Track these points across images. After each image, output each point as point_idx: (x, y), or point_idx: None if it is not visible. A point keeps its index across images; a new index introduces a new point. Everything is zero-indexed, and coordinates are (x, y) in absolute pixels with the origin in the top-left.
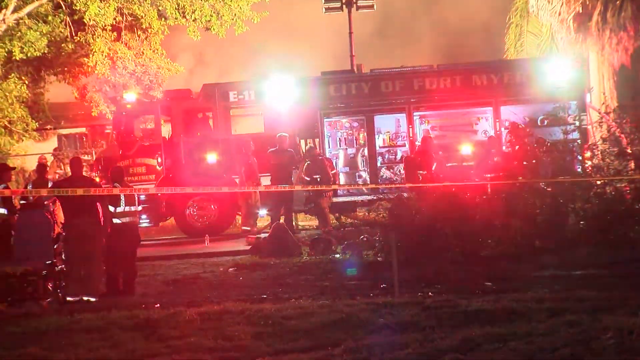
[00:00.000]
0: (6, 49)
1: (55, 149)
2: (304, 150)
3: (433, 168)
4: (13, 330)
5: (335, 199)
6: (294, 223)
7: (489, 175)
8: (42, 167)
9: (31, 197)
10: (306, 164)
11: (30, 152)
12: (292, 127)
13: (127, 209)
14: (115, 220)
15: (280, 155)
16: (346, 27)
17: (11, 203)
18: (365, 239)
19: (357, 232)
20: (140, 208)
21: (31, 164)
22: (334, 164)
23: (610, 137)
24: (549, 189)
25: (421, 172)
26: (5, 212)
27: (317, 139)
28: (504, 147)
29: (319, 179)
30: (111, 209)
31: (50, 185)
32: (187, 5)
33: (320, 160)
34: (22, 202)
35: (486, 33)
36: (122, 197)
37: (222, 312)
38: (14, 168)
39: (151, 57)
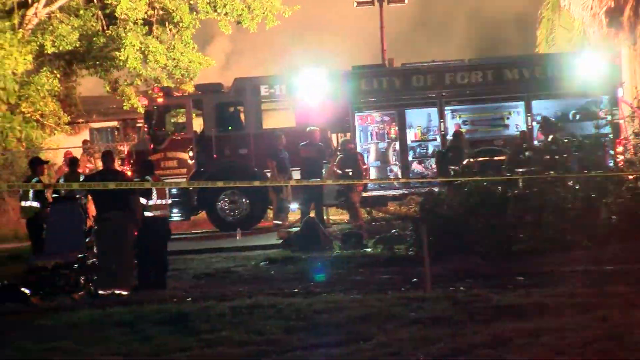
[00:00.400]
0: (38, 43)
1: (84, 142)
2: (335, 144)
3: (464, 162)
4: (45, 324)
5: (366, 193)
6: (325, 217)
7: (520, 170)
8: (73, 160)
9: (63, 191)
10: (339, 157)
11: (62, 145)
12: (324, 121)
13: (158, 202)
14: (147, 214)
15: (310, 149)
16: (377, 21)
17: (44, 197)
18: (396, 233)
19: (388, 226)
20: (170, 201)
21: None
22: (365, 158)
23: None
24: (577, 186)
25: (452, 166)
26: (38, 206)
27: (349, 133)
28: (535, 142)
29: (350, 173)
30: (143, 201)
31: (82, 179)
32: None
33: (353, 154)
34: (54, 195)
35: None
36: (154, 190)
37: (254, 306)
38: (47, 162)
39: (182, 51)
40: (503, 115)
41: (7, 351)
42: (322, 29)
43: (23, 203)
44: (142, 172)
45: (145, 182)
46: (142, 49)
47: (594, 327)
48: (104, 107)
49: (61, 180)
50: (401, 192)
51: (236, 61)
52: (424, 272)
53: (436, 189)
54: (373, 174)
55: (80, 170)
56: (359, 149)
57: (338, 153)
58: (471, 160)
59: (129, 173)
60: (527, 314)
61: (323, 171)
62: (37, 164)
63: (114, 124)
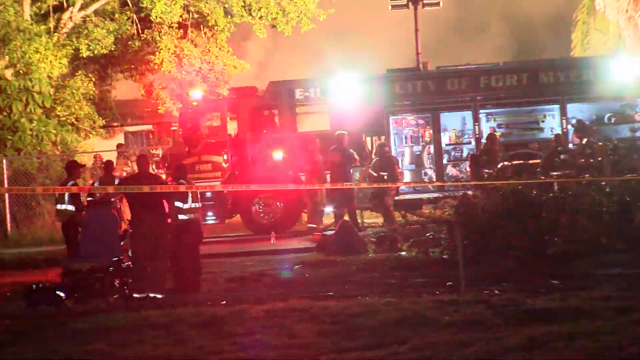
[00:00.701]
0: (73, 47)
1: (118, 145)
2: (369, 148)
3: (498, 166)
4: (80, 327)
5: (401, 197)
6: (359, 220)
7: (555, 174)
8: (109, 164)
9: (98, 194)
10: (374, 160)
11: (97, 149)
12: (358, 125)
13: (192, 205)
14: (181, 217)
15: (338, 153)
16: (412, 24)
17: (79, 200)
18: (431, 236)
19: (422, 230)
20: (199, 205)
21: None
22: (400, 161)
23: None
24: (611, 190)
25: (487, 170)
26: (73, 209)
27: (383, 137)
28: (570, 145)
29: (385, 177)
30: (179, 204)
31: (116, 182)
32: (253, 2)
33: (388, 157)
34: (88, 199)
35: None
36: (189, 194)
37: (287, 310)
38: (84, 165)
39: (217, 54)
40: (538, 118)
41: (44, 353)
42: (357, 33)
43: (58, 206)
44: (175, 175)
45: (180, 186)
46: (177, 52)
47: (629, 330)
48: (139, 111)
49: (96, 184)
50: (436, 195)
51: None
52: (458, 276)
53: (470, 192)
54: (407, 177)
55: (116, 174)
56: (393, 153)
57: (374, 156)
58: (505, 163)
59: (164, 176)
60: (561, 318)
61: (357, 175)
62: (73, 168)
63: (149, 127)
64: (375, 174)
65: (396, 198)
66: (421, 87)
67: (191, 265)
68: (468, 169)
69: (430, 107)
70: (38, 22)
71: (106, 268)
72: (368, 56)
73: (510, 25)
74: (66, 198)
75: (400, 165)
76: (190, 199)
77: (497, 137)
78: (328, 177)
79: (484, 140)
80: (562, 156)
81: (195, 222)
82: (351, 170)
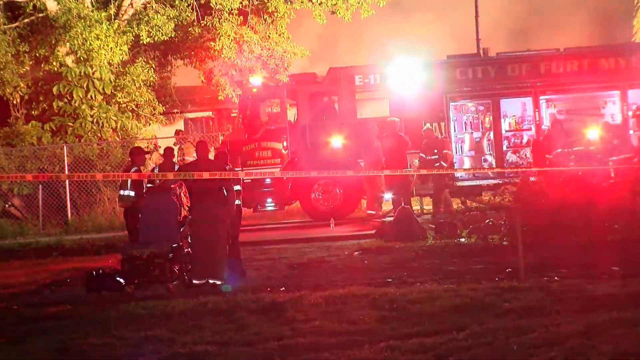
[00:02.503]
0: (133, 33)
1: (177, 132)
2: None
3: (560, 151)
4: (140, 313)
5: (460, 183)
6: (420, 207)
7: (614, 158)
8: (169, 150)
9: (158, 181)
10: (424, 143)
11: (158, 135)
12: (418, 111)
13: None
14: (237, 202)
15: (390, 140)
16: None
17: (140, 186)
18: (490, 223)
19: (482, 216)
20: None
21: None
22: (459, 148)
23: None
24: None
25: (549, 155)
26: (134, 195)
27: (443, 123)
28: (631, 131)
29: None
30: (238, 188)
31: (176, 168)
32: None
33: (435, 140)
34: (148, 185)
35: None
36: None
37: (347, 296)
38: (148, 152)
39: (277, 41)
40: (598, 104)
41: (105, 338)
42: (418, 18)
43: (121, 192)
44: (221, 163)
45: (240, 172)
46: (237, 39)
47: None
48: (199, 97)
49: (156, 170)
50: (495, 182)
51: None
52: (517, 262)
53: (532, 178)
54: (467, 163)
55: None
56: (453, 139)
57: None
58: (566, 150)
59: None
60: (622, 304)
61: (416, 161)
62: (137, 154)
63: (209, 114)
64: (425, 157)
65: (456, 184)
66: (481, 73)
67: (234, 251)
68: (528, 155)
69: (491, 93)
70: (99, 9)
71: (166, 254)
72: (429, 42)
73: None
74: (129, 184)
75: (451, 148)
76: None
77: (561, 122)
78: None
79: (544, 127)
80: (614, 142)
81: (240, 208)
82: (407, 157)
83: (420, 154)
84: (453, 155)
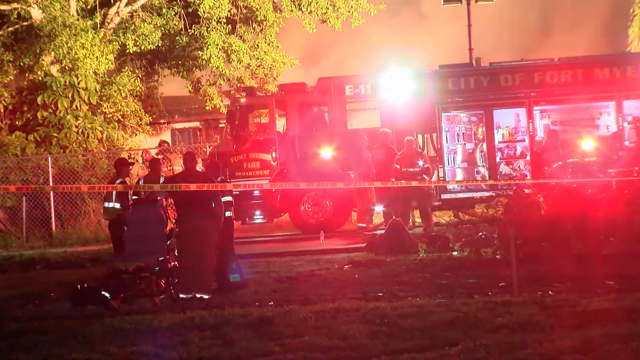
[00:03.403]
0: (120, 42)
1: (161, 142)
2: (420, 146)
3: (557, 164)
4: (126, 327)
5: (452, 195)
6: (410, 220)
7: (612, 171)
8: (155, 162)
9: (143, 193)
10: (399, 154)
11: (144, 146)
12: (409, 122)
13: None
14: (227, 214)
15: (382, 151)
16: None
17: (126, 198)
18: (483, 236)
19: (475, 229)
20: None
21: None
22: (451, 159)
23: None
24: None
25: (547, 168)
26: (119, 207)
27: (435, 134)
28: (626, 143)
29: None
30: (228, 199)
31: (162, 180)
32: None
33: (415, 151)
34: (134, 197)
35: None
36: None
37: (337, 310)
38: (133, 163)
39: (266, 50)
40: (593, 115)
41: (89, 354)
42: (409, 28)
43: (106, 204)
44: (212, 174)
45: (227, 184)
46: (225, 48)
47: None
48: (186, 108)
49: (141, 182)
50: (488, 194)
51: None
52: (511, 276)
53: (527, 191)
54: (460, 175)
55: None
56: (445, 150)
57: (398, 151)
58: (565, 162)
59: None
60: (617, 319)
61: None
62: (121, 165)
63: (196, 124)
64: (400, 169)
65: (448, 197)
66: (474, 84)
67: (224, 264)
68: (522, 167)
69: (484, 104)
70: (84, 17)
71: (152, 268)
72: (420, 52)
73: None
74: (114, 196)
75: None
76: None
77: (558, 133)
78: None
79: (538, 138)
80: (620, 153)
81: (231, 220)
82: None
83: (395, 165)
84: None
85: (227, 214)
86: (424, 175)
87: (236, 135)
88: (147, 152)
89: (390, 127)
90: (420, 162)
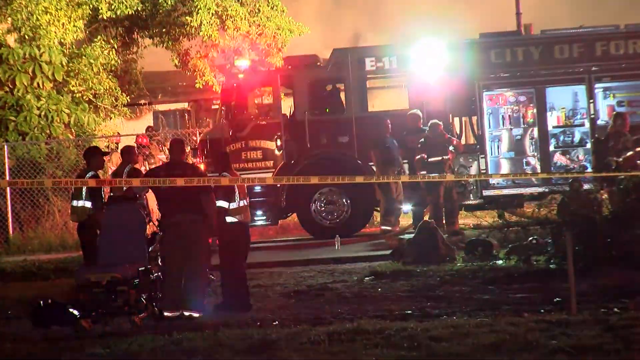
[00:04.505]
0: (91, 6)
1: (148, 128)
2: (457, 131)
3: (624, 154)
4: (98, 353)
5: (496, 192)
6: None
7: None
8: (127, 150)
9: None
10: (421, 141)
11: (121, 132)
12: (444, 103)
13: (241, 203)
14: (230, 219)
15: (413, 137)
16: None
17: (99, 196)
18: (534, 241)
19: (524, 233)
20: (247, 203)
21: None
22: (496, 147)
23: None
24: None
25: (614, 158)
26: (90, 207)
27: (475, 117)
28: None
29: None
30: (223, 204)
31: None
32: None
33: (443, 138)
34: (110, 194)
35: None
36: (236, 190)
37: (355, 332)
38: (107, 153)
39: (269, 15)
40: None
41: None
42: None
43: (74, 203)
44: (217, 166)
45: (223, 179)
46: (219, 12)
47: None
48: (172, 85)
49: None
50: (540, 190)
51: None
52: (568, 290)
53: (587, 186)
54: (505, 167)
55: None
56: (487, 137)
57: (423, 139)
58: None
59: (202, 167)
60: None
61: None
62: (92, 155)
63: (184, 105)
64: (427, 159)
65: (490, 193)
66: (522, 56)
67: (237, 278)
68: (581, 157)
69: (534, 81)
70: None
71: (130, 280)
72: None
73: None
74: (83, 193)
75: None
76: (237, 197)
77: (627, 116)
78: (407, 168)
79: (602, 121)
80: None
81: (243, 227)
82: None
83: (422, 155)
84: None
85: (230, 219)
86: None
87: (233, 119)
88: (143, 137)
89: (419, 109)
90: (448, 150)
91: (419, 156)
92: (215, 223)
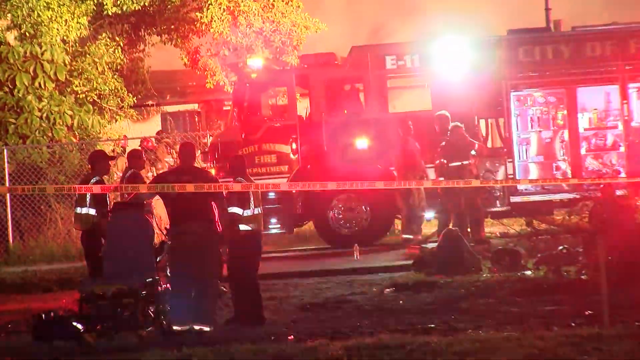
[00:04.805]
0: (95, 1)
1: (158, 132)
2: (483, 134)
3: None
4: None
5: (524, 198)
6: (469, 229)
7: None
8: (134, 154)
9: (126, 195)
10: (442, 144)
11: (127, 135)
12: (469, 103)
13: (256, 211)
14: (243, 228)
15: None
16: None
17: (105, 203)
18: (564, 250)
19: (554, 242)
20: (261, 211)
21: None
22: (523, 150)
23: None
24: None
25: None
26: (94, 214)
27: (502, 118)
28: None
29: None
30: (237, 211)
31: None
32: None
33: (465, 142)
34: (116, 201)
35: None
36: (252, 197)
37: (376, 347)
38: (113, 157)
39: (284, 11)
40: None
41: None
42: None
43: (77, 210)
44: (231, 171)
45: (235, 184)
46: (231, 8)
47: None
48: (181, 85)
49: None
50: (571, 196)
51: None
52: (601, 302)
53: (620, 192)
54: (534, 171)
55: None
56: (515, 140)
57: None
58: None
59: (213, 172)
60: None
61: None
62: (97, 160)
63: (194, 106)
64: (447, 164)
65: (518, 200)
66: (552, 54)
67: (250, 290)
68: (614, 161)
69: (565, 80)
70: None
71: (137, 292)
72: (483, 13)
73: None
74: (88, 200)
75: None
76: (252, 204)
77: None
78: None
79: (636, 123)
80: None
81: (256, 236)
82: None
83: (442, 160)
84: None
85: (245, 227)
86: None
87: (245, 121)
88: (148, 141)
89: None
90: (470, 155)
91: (438, 161)
92: (226, 231)
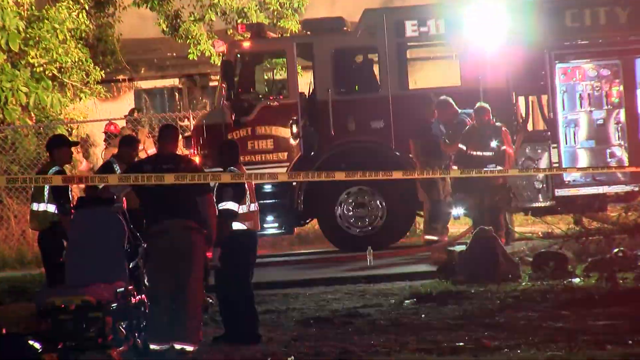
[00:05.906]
0: None
1: (131, 111)
2: (522, 115)
3: None
4: None
5: (572, 191)
6: (509, 228)
7: None
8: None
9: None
10: (466, 130)
11: (94, 116)
12: (505, 78)
13: (252, 207)
14: (237, 226)
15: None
16: None
17: (67, 197)
18: (620, 253)
19: (607, 243)
20: (257, 208)
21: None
22: (571, 134)
23: None
24: None
25: None
26: (55, 211)
27: (546, 96)
28: None
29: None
30: (232, 206)
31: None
32: None
33: (490, 127)
34: (80, 196)
35: None
36: (247, 190)
37: None
38: (77, 143)
39: None
40: None
41: None
42: None
43: (35, 206)
44: (222, 159)
45: (224, 174)
46: None
47: None
48: (158, 57)
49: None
50: (628, 188)
51: None
52: None
53: None
54: (584, 159)
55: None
56: (560, 121)
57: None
58: None
59: (198, 160)
60: None
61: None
62: (57, 146)
63: (174, 82)
64: (467, 151)
65: (565, 193)
66: (606, 18)
67: (243, 305)
68: None
69: (620, 50)
70: None
71: (106, 304)
72: None
73: None
74: (46, 194)
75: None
76: (248, 198)
77: None
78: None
79: None
80: None
81: (252, 237)
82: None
83: (460, 146)
84: (513, 156)
85: (239, 226)
86: (496, 164)
87: (236, 99)
88: (114, 125)
89: (475, 85)
90: (494, 144)
91: (461, 146)
92: (216, 231)
